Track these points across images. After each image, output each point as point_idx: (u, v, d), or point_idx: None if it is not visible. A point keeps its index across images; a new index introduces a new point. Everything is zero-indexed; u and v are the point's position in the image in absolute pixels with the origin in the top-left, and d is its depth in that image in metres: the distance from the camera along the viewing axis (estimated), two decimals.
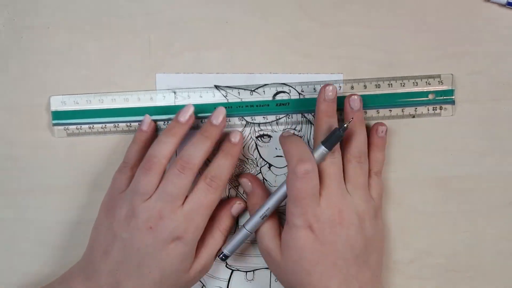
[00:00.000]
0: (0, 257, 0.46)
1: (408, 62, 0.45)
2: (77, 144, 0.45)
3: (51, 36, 0.45)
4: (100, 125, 0.45)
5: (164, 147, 0.41)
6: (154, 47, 0.45)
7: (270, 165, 0.46)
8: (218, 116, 0.42)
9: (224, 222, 0.43)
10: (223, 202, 0.45)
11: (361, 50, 0.45)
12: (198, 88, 0.45)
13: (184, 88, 0.45)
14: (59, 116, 0.45)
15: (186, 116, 0.42)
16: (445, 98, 0.45)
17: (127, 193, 0.41)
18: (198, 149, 0.41)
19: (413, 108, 0.45)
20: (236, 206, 0.44)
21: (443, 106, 0.45)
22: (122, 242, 0.40)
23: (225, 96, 0.44)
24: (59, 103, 0.45)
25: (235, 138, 0.42)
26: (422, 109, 0.45)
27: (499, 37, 0.45)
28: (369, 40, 0.45)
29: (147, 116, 0.44)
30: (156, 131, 0.44)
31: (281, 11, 0.45)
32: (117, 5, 0.45)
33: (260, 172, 0.46)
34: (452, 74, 0.44)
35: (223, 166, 0.41)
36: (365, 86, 0.45)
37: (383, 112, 0.45)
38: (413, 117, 0.45)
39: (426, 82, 0.45)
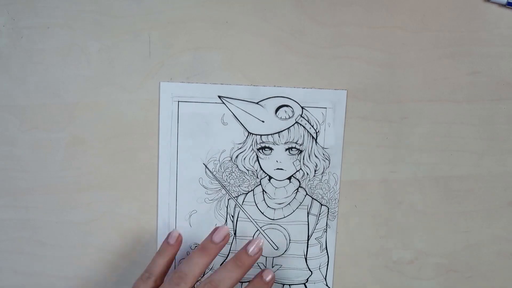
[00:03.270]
0: (0, 257, 0.46)
1: (408, 62, 0.45)
2: (77, 144, 0.45)
3: (51, 36, 0.45)
4: None
5: (196, 268, 0.41)
6: (154, 47, 0.45)
7: (270, 177, 0.46)
8: (255, 247, 0.42)
9: None
10: None
11: (361, 50, 0.45)
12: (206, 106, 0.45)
13: (193, 102, 0.45)
14: None
15: (221, 237, 0.42)
16: None
17: None
18: (230, 276, 0.41)
19: None
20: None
21: None
22: None
23: (232, 112, 0.45)
24: None
25: (267, 277, 0.42)
26: None
27: (499, 37, 0.45)
28: (369, 40, 0.45)
29: (175, 231, 0.44)
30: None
31: (281, 11, 0.45)
32: (117, 5, 0.45)
33: (260, 184, 0.46)
34: None
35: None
36: None
37: None
38: None
39: None
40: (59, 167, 0.46)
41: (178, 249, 0.44)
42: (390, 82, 0.45)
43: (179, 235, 0.44)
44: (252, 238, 0.46)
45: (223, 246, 0.43)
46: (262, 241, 0.43)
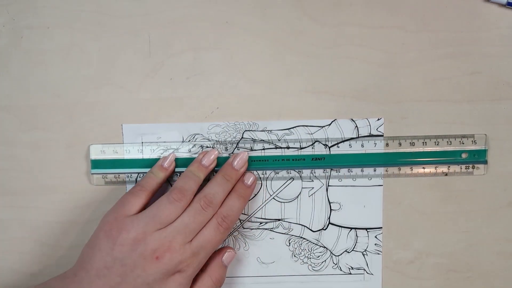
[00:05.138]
0: (0, 257, 0.46)
1: (408, 62, 0.45)
2: (77, 144, 0.45)
3: (51, 36, 0.45)
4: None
5: (193, 183, 0.42)
6: (154, 47, 0.45)
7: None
8: (240, 160, 0.43)
9: (216, 271, 0.43)
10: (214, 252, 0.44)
11: (361, 50, 0.45)
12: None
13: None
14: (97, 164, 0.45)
15: (209, 160, 0.43)
16: (477, 158, 0.45)
17: (141, 218, 0.40)
18: (222, 190, 0.42)
19: (446, 166, 0.45)
20: (227, 255, 0.44)
21: (476, 165, 0.45)
22: (121, 267, 0.39)
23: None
24: (99, 152, 0.45)
25: (248, 180, 0.43)
26: (455, 168, 0.45)
27: (499, 37, 0.45)
28: (369, 40, 0.45)
29: (173, 154, 0.44)
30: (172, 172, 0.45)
31: (281, 11, 0.45)
32: (117, 5, 0.45)
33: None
34: (485, 135, 0.45)
35: (234, 207, 0.42)
36: (400, 144, 0.45)
37: (417, 169, 0.45)
38: (446, 175, 0.45)
39: (460, 141, 0.45)
40: (59, 167, 0.46)
41: (170, 174, 0.44)
42: (390, 82, 0.45)
43: (174, 161, 0.44)
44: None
45: (213, 168, 0.44)
46: (246, 153, 0.44)
